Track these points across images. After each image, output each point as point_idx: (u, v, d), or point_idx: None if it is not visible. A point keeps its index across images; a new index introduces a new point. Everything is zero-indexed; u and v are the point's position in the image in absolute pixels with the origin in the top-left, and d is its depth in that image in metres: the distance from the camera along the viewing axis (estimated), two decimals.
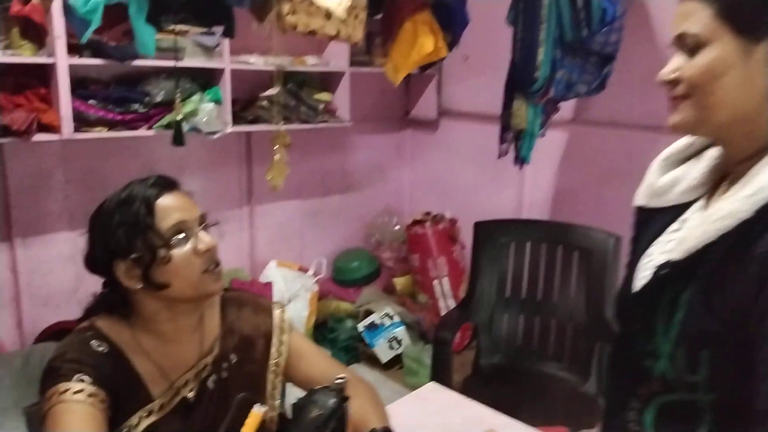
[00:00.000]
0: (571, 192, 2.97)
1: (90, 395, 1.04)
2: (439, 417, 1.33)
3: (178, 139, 2.25)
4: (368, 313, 3.05)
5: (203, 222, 1.17)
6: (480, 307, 2.28)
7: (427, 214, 3.35)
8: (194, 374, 1.20)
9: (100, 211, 1.15)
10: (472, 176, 3.33)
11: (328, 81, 2.99)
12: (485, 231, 2.36)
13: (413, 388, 2.78)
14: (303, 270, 3.10)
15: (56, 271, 2.42)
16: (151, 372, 1.16)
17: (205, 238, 1.14)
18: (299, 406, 0.88)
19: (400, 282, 3.40)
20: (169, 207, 1.12)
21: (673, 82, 0.82)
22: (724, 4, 0.75)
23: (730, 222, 0.74)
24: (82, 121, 2.17)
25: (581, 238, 2.32)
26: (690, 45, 0.79)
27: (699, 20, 0.77)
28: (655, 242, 0.94)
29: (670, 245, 0.85)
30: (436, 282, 3.24)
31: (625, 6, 2.25)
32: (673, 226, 0.93)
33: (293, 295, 2.89)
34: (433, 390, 1.43)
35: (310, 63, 2.86)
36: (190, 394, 1.19)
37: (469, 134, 3.32)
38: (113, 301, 1.18)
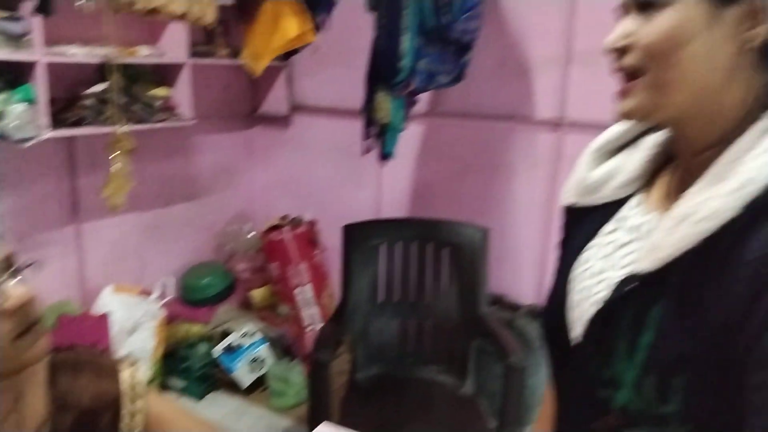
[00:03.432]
0: (430, 186, 2.92)
1: None
2: None
3: None
4: (225, 334, 2.75)
5: (11, 266, 0.85)
6: (354, 316, 2.12)
7: (284, 217, 3.12)
8: None
9: None
10: (330, 174, 3.16)
11: (165, 74, 2.64)
12: (354, 233, 2.20)
13: (281, 411, 2.58)
14: (146, 293, 2.71)
15: None
16: None
17: (14, 291, 0.82)
18: None
19: (257, 294, 3.13)
20: None
21: (623, 50, 0.68)
22: None
23: (714, 223, 0.62)
24: None
25: (450, 233, 2.26)
26: (648, 4, 0.66)
27: None
28: (589, 246, 0.83)
29: (630, 257, 0.73)
30: (297, 290, 3.02)
31: None
32: (608, 226, 0.82)
33: (135, 325, 2.52)
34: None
35: (144, 54, 2.50)
36: None
37: (324, 130, 3.15)
38: None
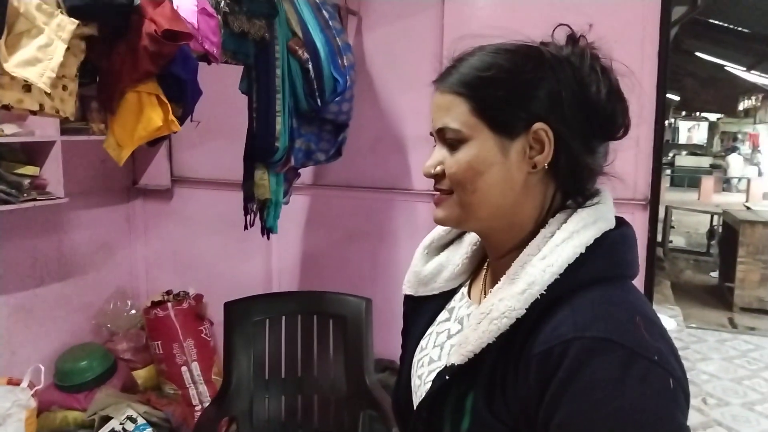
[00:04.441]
0: (319, 256, 2.95)
1: None
2: None
3: None
4: (105, 420, 2.59)
5: None
6: (238, 396, 2.08)
7: (168, 293, 3.03)
8: None
9: None
10: (216, 247, 3.12)
11: (34, 152, 2.54)
12: (236, 310, 2.18)
13: None
14: (14, 383, 2.51)
15: None
16: None
17: None
18: None
19: (141, 375, 2.99)
20: None
21: (438, 176, 0.78)
22: (478, 101, 0.74)
23: (507, 320, 0.69)
24: None
25: (334, 305, 2.30)
26: (451, 140, 0.76)
27: (458, 115, 0.75)
28: (426, 333, 0.90)
29: (453, 349, 0.80)
30: (184, 368, 2.92)
31: (354, 77, 2.33)
32: (443, 315, 0.89)
33: (2, 418, 2.33)
34: None
35: (9, 132, 2.40)
36: None
37: (208, 202, 3.12)
38: None
